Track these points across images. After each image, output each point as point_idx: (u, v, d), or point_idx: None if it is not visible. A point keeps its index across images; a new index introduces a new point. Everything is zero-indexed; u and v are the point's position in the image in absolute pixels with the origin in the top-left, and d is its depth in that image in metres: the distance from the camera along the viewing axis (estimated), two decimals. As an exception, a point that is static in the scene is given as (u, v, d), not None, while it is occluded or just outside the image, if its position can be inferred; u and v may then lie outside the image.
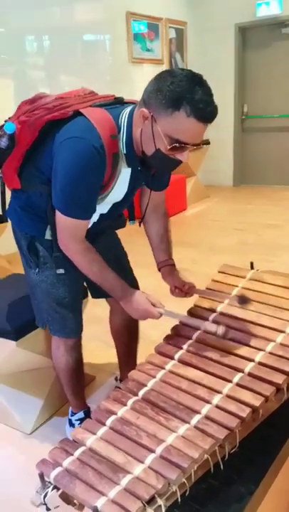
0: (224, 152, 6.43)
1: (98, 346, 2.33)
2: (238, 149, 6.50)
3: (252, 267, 1.73)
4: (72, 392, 1.74)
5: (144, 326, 1.88)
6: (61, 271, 1.49)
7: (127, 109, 1.32)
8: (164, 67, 5.73)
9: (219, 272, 1.73)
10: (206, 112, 1.17)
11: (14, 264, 3.52)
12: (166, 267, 1.61)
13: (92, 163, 1.25)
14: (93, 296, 1.79)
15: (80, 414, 1.78)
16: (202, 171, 6.16)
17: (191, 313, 1.55)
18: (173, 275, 1.59)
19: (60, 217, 1.34)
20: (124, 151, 1.32)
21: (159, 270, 1.63)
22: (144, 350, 1.64)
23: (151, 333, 1.91)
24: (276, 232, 4.38)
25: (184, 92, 1.15)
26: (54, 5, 4.18)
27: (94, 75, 4.63)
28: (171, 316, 1.42)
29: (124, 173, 1.38)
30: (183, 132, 1.20)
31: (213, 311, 1.53)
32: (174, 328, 1.50)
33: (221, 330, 1.36)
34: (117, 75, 4.96)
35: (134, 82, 5.22)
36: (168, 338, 1.47)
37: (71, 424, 1.80)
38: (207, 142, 5.92)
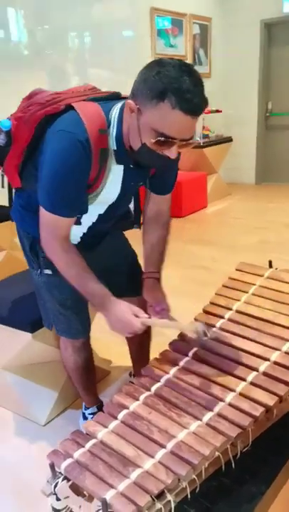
0: (247, 149, 6.37)
1: (114, 342, 2.33)
2: (261, 147, 6.42)
3: (270, 266, 1.71)
4: (83, 389, 1.75)
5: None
6: (48, 272, 1.46)
7: (118, 104, 1.26)
8: (188, 63, 5.69)
9: (237, 269, 1.71)
10: (193, 104, 1.08)
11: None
12: (150, 279, 1.51)
13: (75, 157, 1.19)
14: None
15: (94, 409, 1.79)
16: (224, 168, 6.11)
17: (206, 311, 1.54)
18: (153, 290, 1.49)
19: (42, 213, 1.28)
20: (114, 147, 1.26)
21: (143, 280, 1.53)
22: (158, 348, 1.63)
23: (165, 331, 1.90)
24: (298, 231, 4.32)
25: (169, 82, 1.07)
26: (83, 4, 4.19)
27: (118, 71, 4.63)
28: (157, 325, 1.36)
29: (116, 171, 1.31)
30: (168, 125, 1.11)
31: (228, 309, 1.52)
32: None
33: (200, 328, 1.27)
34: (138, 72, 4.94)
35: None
36: (182, 335, 1.46)
37: (85, 418, 1.82)
38: (230, 139, 5.87)
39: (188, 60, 5.68)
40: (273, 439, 1.22)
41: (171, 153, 1.17)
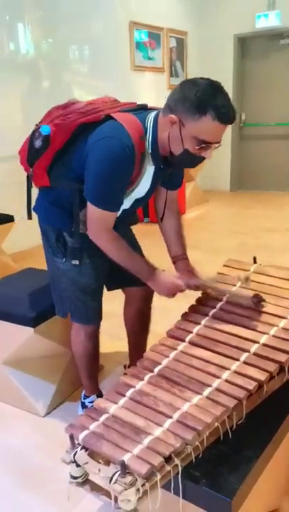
0: (222, 158, 6.60)
1: (106, 339, 2.44)
2: (235, 156, 6.67)
3: (255, 261, 1.86)
4: (88, 376, 1.86)
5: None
6: (76, 262, 1.63)
7: (152, 114, 1.48)
8: (165, 75, 5.90)
9: (224, 265, 1.86)
10: (228, 116, 1.35)
11: (19, 263, 3.65)
12: (182, 260, 1.74)
13: (124, 160, 1.40)
14: (109, 289, 1.89)
15: (93, 397, 1.89)
16: (201, 176, 6.32)
17: (199, 301, 1.68)
18: (188, 269, 1.72)
19: (92, 209, 1.48)
20: (150, 151, 1.47)
21: (174, 263, 1.76)
22: (150, 344, 1.77)
23: (155, 328, 2.04)
24: (274, 235, 4.53)
25: (208, 99, 1.32)
26: (70, 20, 4.33)
27: (98, 82, 4.78)
28: (197, 284, 1.61)
29: (149, 171, 1.53)
30: (209, 134, 1.37)
31: (219, 300, 1.66)
32: (184, 315, 1.62)
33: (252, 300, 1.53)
34: (119, 82, 5.11)
35: (136, 89, 5.38)
36: (178, 323, 1.59)
37: (84, 407, 1.92)
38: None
39: (166, 72, 5.89)
40: (264, 413, 1.35)
41: (208, 154, 1.45)
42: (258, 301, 1.54)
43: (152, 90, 5.67)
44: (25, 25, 4.04)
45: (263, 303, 1.54)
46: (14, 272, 2.83)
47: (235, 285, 1.70)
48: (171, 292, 1.59)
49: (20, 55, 4.04)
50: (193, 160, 1.47)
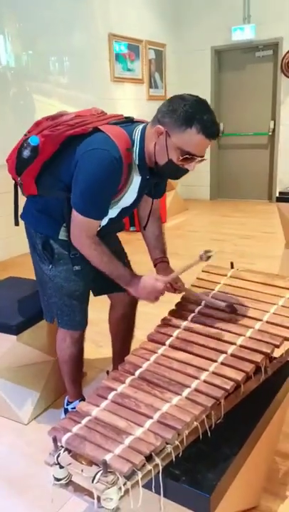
0: (202, 167, 6.68)
1: (89, 346, 2.46)
2: (214, 165, 6.80)
3: (232, 267, 1.92)
4: (72, 380, 1.89)
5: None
6: (78, 268, 1.68)
7: (140, 127, 1.55)
8: (144, 86, 6.00)
9: (203, 271, 1.91)
10: (212, 131, 1.43)
11: (1, 272, 3.65)
12: (162, 263, 1.81)
13: (112, 171, 1.45)
14: (95, 294, 1.93)
15: (76, 403, 1.91)
16: (181, 185, 6.41)
17: (179, 306, 1.73)
18: (167, 271, 1.77)
19: (76, 217, 1.53)
20: (137, 162, 1.53)
21: (155, 266, 1.82)
22: (137, 344, 1.80)
23: (137, 333, 2.08)
24: (251, 242, 4.63)
25: (195, 113, 1.40)
26: (51, 31, 4.39)
27: (79, 93, 4.84)
28: (175, 275, 1.65)
29: (135, 182, 1.59)
30: (193, 146, 1.43)
31: (198, 304, 1.71)
32: (164, 319, 1.67)
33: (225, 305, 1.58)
34: (100, 93, 5.18)
35: (116, 100, 5.46)
36: (159, 327, 1.63)
37: (66, 413, 1.94)
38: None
39: (145, 83, 6.00)
40: (242, 412, 1.40)
41: (191, 167, 1.51)
42: (231, 311, 1.59)
43: (132, 101, 5.75)
44: (5, 37, 4.08)
45: (236, 311, 1.60)
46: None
47: (213, 289, 1.76)
48: (153, 295, 1.62)
49: (0, 66, 4.07)
50: (177, 171, 1.53)
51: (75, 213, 1.54)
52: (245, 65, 6.32)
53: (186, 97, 1.44)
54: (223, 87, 6.56)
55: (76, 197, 1.52)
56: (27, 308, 1.89)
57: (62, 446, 1.18)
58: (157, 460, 1.15)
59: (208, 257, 1.55)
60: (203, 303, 1.70)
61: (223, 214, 6.02)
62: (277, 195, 3.12)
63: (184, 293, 1.76)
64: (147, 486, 1.16)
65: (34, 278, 2.30)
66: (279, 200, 3.08)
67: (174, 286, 1.73)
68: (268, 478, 1.65)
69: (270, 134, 6.37)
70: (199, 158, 1.49)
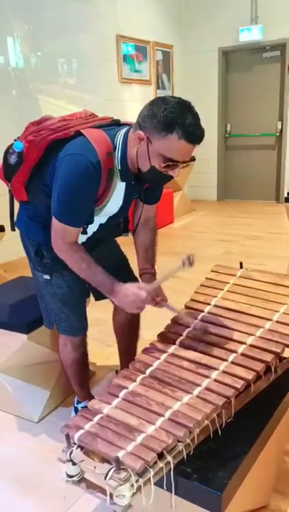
0: (209, 168, 6.72)
1: (97, 346, 2.49)
2: (221, 166, 6.80)
3: (241, 267, 1.93)
4: (78, 383, 1.89)
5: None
6: (47, 277, 1.66)
7: (122, 130, 1.49)
8: (152, 87, 6.01)
9: (212, 271, 1.92)
10: (195, 135, 1.34)
11: (10, 273, 3.67)
12: (147, 274, 1.74)
13: (89, 176, 1.40)
14: (96, 299, 1.90)
15: (85, 403, 1.92)
16: (188, 186, 6.42)
17: (188, 307, 1.73)
18: (151, 282, 1.70)
19: (54, 222, 1.49)
20: (119, 167, 1.47)
21: (140, 276, 1.77)
22: (139, 349, 1.80)
23: (144, 333, 2.09)
24: (259, 243, 4.63)
25: (175, 117, 1.31)
26: (61, 33, 4.42)
27: (87, 95, 4.87)
28: (158, 283, 1.58)
29: (119, 187, 1.53)
30: (175, 152, 1.36)
31: (207, 304, 1.72)
32: (174, 318, 1.68)
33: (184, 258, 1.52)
34: (107, 95, 5.20)
35: (124, 102, 5.48)
36: (168, 328, 1.64)
37: (76, 412, 1.95)
38: (193, 159, 6.19)
39: (152, 84, 6.01)
40: (252, 412, 1.41)
41: (175, 173, 1.44)
42: (189, 261, 1.52)
43: (139, 102, 5.76)
44: (14, 39, 4.11)
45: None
46: (5, 281, 2.87)
47: (222, 289, 1.77)
48: (135, 305, 1.52)
49: (10, 68, 4.10)
50: (161, 177, 1.46)
51: (53, 220, 1.49)
52: (252, 65, 6.32)
53: (168, 100, 1.35)
54: (230, 88, 6.56)
55: (54, 202, 1.46)
56: (37, 308, 1.89)
57: (74, 443, 1.19)
58: (169, 458, 1.16)
59: (191, 263, 1.51)
60: (212, 302, 1.71)
61: (230, 215, 6.02)
62: (286, 195, 3.13)
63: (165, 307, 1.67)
64: (159, 483, 1.17)
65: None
66: (287, 200, 3.09)
67: (156, 299, 1.65)
68: (278, 478, 1.65)
69: (278, 134, 6.36)
70: (183, 165, 1.42)
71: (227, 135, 6.72)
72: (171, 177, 1.47)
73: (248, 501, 1.39)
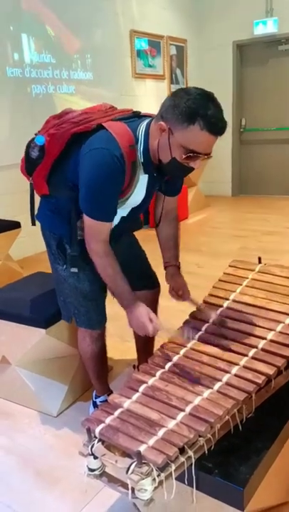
0: (223, 164, 6.66)
1: (114, 340, 2.49)
2: (236, 161, 6.74)
3: (260, 261, 1.91)
4: (97, 377, 1.91)
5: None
6: (74, 270, 1.65)
7: (144, 122, 1.48)
8: (166, 82, 5.98)
9: (230, 266, 1.91)
10: (217, 126, 1.33)
11: (26, 269, 3.70)
12: (172, 267, 1.77)
13: (113, 170, 1.41)
14: None
15: (104, 397, 1.93)
16: (202, 181, 6.38)
17: (207, 301, 1.72)
18: (175, 277, 1.74)
19: (86, 219, 1.50)
20: (142, 160, 1.48)
21: (165, 269, 1.78)
22: (156, 345, 1.80)
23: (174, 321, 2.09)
24: (275, 238, 4.58)
25: (198, 108, 1.31)
26: (67, 27, 4.42)
27: (101, 90, 4.86)
28: (165, 333, 1.56)
29: (142, 180, 1.53)
30: (197, 143, 1.35)
31: (226, 299, 1.71)
32: (192, 313, 1.67)
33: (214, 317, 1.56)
34: (121, 90, 5.19)
35: (138, 97, 5.46)
36: (186, 323, 1.63)
37: (95, 406, 1.96)
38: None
39: (166, 79, 5.98)
40: (273, 407, 1.40)
41: (196, 165, 1.42)
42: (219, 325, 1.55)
43: (153, 97, 5.74)
44: (28, 36, 4.12)
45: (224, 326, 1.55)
46: (19, 276, 2.89)
47: (241, 284, 1.76)
48: (140, 331, 1.55)
49: (25, 64, 4.11)
50: (182, 169, 1.45)
51: (85, 217, 1.50)
52: (267, 59, 6.24)
53: (190, 91, 1.35)
54: (245, 81, 6.49)
55: (82, 199, 1.48)
56: (55, 302, 1.90)
57: (95, 437, 1.20)
58: (190, 452, 1.16)
59: (189, 337, 1.52)
60: (231, 297, 1.70)
61: (245, 210, 5.97)
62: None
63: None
64: (180, 478, 1.16)
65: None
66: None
67: (178, 293, 1.69)
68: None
69: (293, 128, 6.28)
70: (204, 156, 1.41)
71: (242, 129, 6.66)
72: (192, 169, 1.46)
73: (270, 497, 1.38)
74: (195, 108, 1.31)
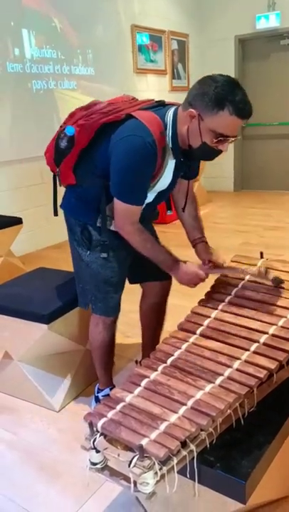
0: (225, 159, 6.63)
1: (116, 336, 2.49)
2: (238, 156, 6.72)
3: (262, 256, 1.91)
4: (103, 367, 1.93)
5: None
6: (104, 255, 1.71)
7: (171, 110, 1.56)
8: (167, 77, 5.96)
9: (232, 261, 1.90)
10: (245, 111, 1.44)
11: (28, 265, 3.71)
12: (202, 243, 1.83)
13: (147, 156, 1.48)
14: (131, 282, 1.97)
15: (106, 391, 1.94)
16: (204, 176, 6.36)
17: (209, 296, 1.72)
18: (207, 251, 1.82)
19: (118, 204, 1.56)
20: (170, 145, 1.55)
21: (194, 247, 1.84)
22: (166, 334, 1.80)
23: (165, 324, 2.10)
24: (278, 233, 4.57)
25: (226, 94, 1.40)
26: (68, 22, 4.40)
27: (103, 86, 4.85)
28: (217, 271, 1.71)
29: (170, 164, 1.61)
30: (226, 127, 1.45)
31: (228, 294, 1.70)
32: (194, 309, 1.67)
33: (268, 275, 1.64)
34: (123, 85, 5.17)
35: (139, 92, 5.44)
36: (189, 317, 1.64)
37: (97, 401, 1.97)
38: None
39: (168, 74, 5.96)
40: (275, 401, 1.40)
41: (224, 147, 1.53)
42: (277, 283, 1.63)
43: (155, 92, 5.73)
44: (29, 31, 4.11)
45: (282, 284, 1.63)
46: (21, 272, 2.90)
47: (243, 279, 1.75)
48: (193, 282, 1.67)
49: (26, 59, 4.10)
50: (211, 153, 1.54)
51: (116, 202, 1.56)
52: (269, 53, 6.21)
53: (217, 78, 1.43)
54: (247, 76, 6.46)
55: (115, 185, 1.55)
56: (58, 298, 1.91)
57: (98, 431, 1.20)
58: (192, 446, 1.16)
59: (278, 282, 1.61)
60: (233, 292, 1.70)
61: (247, 205, 5.96)
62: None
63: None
64: (182, 472, 1.17)
65: (61, 269, 2.34)
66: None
67: (217, 261, 1.78)
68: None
69: (296, 123, 6.25)
70: (233, 139, 1.50)
71: (244, 125, 6.63)
72: (220, 152, 1.54)
73: (272, 491, 1.39)
74: (224, 94, 1.39)
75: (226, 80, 1.42)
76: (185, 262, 1.69)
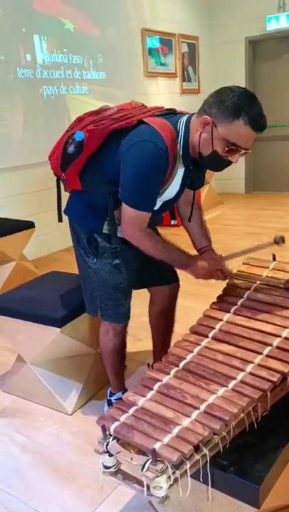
0: (236, 160, 6.61)
1: (127, 339, 2.49)
2: (249, 157, 6.67)
3: (274, 259, 1.90)
4: (115, 372, 1.92)
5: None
6: (117, 261, 1.69)
7: (184, 118, 1.56)
8: (178, 80, 5.97)
9: (244, 263, 1.90)
10: (260, 123, 1.44)
11: (41, 268, 3.73)
12: (208, 251, 1.82)
13: (159, 162, 1.47)
14: (135, 288, 1.93)
15: (119, 395, 1.94)
16: (215, 179, 6.34)
17: (220, 299, 1.72)
18: (215, 257, 1.81)
19: (127, 210, 1.55)
20: (181, 153, 1.54)
21: (201, 255, 1.83)
22: (173, 342, 1.80)
23: (176, 327, 2.09)
24: (290, 235, 4.53)
25: (243, 104, 1.41)
26: (79, 27, 4.44)
27: (113, 89, 4.87)
28: (232, 257, 1.75)
29: (179, 173, 1.60)
30: (239, 137, 1.44)
31: (240, 296, 1.70)
32: (206, 312, 1.66)
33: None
34: (133, 89, 5.19)
35: (150, 95, 5.45)
36: (201, 320, 1.63)
37: (110, 404, 1.97)
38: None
39: (178, 77, 5.96)
40: (288, 405, 1.39)
41: (235, 159, 1.52)
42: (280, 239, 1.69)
43: (166, 95, 5.74)
44: (40, 36, 4.14)
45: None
46: (33, 276, 2.92)
47: (255, 282, 1.75)
48: (209, 274, 1.68)
49: (37, 64, 4.14)
50: (221, 162, 1.53)
51: (125, 208, 1.55)
52: (280, 55, 6.18)
53: (235, 89, 1.44)
54: (258, 78, 6.44)
55: (125, 190, 1.53)
56: (70, 301, 1.92)
57: (110, 435, 1.20)
58: (205, 450, 1.15)
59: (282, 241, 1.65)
60: (245, 295, 1.69)
61: (259, 207, 5.92)
62: None
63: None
64: (195, 476, 1.17)
65: (73, 272, 2.35)
66: None
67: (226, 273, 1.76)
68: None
69: (307, 124, 6.21)
70: (244, 151, 1.48)
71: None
72: (229, 163, 1.54)
73: (286, 494, 1.38)
74: (240, 104, 1.40)
75: (243, 92, 1.44)
76: (198, 256, 1.70)
